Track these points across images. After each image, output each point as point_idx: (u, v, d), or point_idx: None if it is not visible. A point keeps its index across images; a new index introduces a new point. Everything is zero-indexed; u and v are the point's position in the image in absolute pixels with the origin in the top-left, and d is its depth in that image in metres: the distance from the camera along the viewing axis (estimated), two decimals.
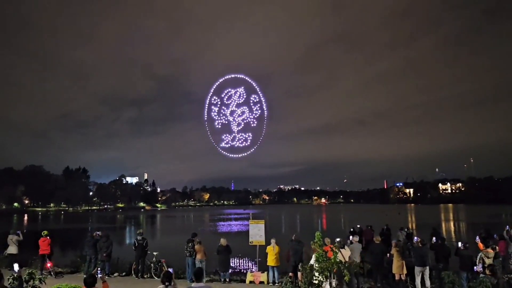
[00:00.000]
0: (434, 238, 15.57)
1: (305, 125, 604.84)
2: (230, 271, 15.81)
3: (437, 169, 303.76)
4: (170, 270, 7.18)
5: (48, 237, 16.34)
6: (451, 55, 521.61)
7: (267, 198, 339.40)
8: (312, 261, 11.80)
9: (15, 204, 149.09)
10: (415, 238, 15.15)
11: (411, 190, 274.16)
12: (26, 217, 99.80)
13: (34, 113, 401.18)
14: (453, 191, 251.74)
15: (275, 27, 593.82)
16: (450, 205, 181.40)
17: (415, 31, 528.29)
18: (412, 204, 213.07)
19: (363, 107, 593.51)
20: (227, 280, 15.18)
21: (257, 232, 16.80)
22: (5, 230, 19.54)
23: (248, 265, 17.57)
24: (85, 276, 6.66)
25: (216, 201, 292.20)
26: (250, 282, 15.10)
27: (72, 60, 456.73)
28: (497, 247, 14.40)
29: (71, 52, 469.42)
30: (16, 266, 8.26)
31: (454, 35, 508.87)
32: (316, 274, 8.58)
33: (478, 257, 12.80)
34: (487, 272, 10.44)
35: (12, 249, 16.70)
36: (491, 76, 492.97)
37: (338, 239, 13.36)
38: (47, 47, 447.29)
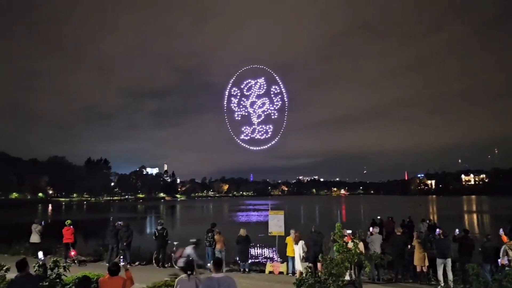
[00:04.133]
0: (457, 230, 15.26)
1: (326, 116, 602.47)
2: (249, 261, 15.87)
3: (460, 160, 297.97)
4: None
5: (71, 226, 16.69)
6: (477, 44, 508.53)
7: (286, 189, 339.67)
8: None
9: (40, 194, 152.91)
10: (437, 230, 14.88)
11: (433, 181, 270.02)
12: (50, 207, 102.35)
13: (58, 105, 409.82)
14: (476, 182, 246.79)
15: (298, 17, 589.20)
16: (473, 196, 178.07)
17: (441, 20, 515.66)
18: (434, 196, 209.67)
19: (385, 98, 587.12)
20: (247, 270, 15.25)
21: (276, 222, 16.80)
22: (30, 219, 20.06)
23: (268, 255, 17.58)
24: (107, 264, 6.75)
25: (235, 192, 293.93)
26: (270, 272, 15.14)
27: (97, 52, 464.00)
28: None
29: (96, 45, 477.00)
30: (40, 254, 8.45)
31: (481, 23, 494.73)
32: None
33: (502, 249, 12.47)
34: None
35: (35, 238, 17.12)
36: None
37: (348, 231, 13.27)
38: (72, 40, 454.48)
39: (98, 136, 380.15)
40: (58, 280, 7.70)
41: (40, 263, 7.95)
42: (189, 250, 11.47)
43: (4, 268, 8.13)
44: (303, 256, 13.37)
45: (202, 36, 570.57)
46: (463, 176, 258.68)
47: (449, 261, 12.67)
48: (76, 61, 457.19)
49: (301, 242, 13.56)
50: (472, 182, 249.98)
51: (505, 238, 13.66)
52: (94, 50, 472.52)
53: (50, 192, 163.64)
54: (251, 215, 64.91)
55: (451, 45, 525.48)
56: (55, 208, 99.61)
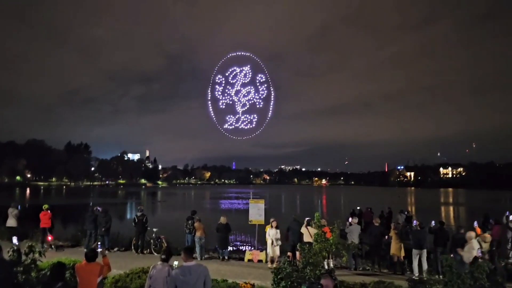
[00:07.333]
0: (433, 222, 15.61)
1: (311, 106, 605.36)
2: (229, 249, 15.93)
3: (438, 153, 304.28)
4: None
5: (48, 211, 16.43)
6: (461, 40, 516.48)
7: (268, 178, 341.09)
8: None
9: (18, 177, 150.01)
10: (414, 221, 15.17)
11: (412, 173, 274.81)
12: (28, 191, 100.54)
13: (41, 87, 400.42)
14: (454, 175, 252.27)
15: (290, 6, 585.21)
16: (450, 189, 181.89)
17: (428, 15, 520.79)
18: (412, 188, 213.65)
19: (370, 90, 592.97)
20: (226, 257, 15.30)
21: (256, 211, 16.81)
22: (7, 203, 19.61)
23: (247, 243, 17.68)
24: (85, 250, 6.67)
25: (217, 180, 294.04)
26: (249, 260, 15.23)
27: (83, 35, 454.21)
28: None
29: (83, 28, 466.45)
30: (15, 239, 8.31)
31: (463, 21, 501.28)
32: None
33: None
34: (486, 257, 10.48)
35: (11, 222, 16.73)
36: (500, 62, 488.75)
37: (307, 218, 13.63)
38: (58, 22, 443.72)
39: (79, 120, 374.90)
40: (33, 265, 7.60)
41: (15, 248, 7.83)
42: None
43: None
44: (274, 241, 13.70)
45: (190, 21, 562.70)
46: (441, 169, 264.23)
47: (424, 252, 12.96)
48: (62, 44, 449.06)
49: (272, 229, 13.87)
50: (450, 175, 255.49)
51: (478, 231, 14.05)
52: (80, 33, 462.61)
53: (28, 175, 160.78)
54: (232, 203, 65.00)
55: (435, 40, 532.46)
56: (33, 192, 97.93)
